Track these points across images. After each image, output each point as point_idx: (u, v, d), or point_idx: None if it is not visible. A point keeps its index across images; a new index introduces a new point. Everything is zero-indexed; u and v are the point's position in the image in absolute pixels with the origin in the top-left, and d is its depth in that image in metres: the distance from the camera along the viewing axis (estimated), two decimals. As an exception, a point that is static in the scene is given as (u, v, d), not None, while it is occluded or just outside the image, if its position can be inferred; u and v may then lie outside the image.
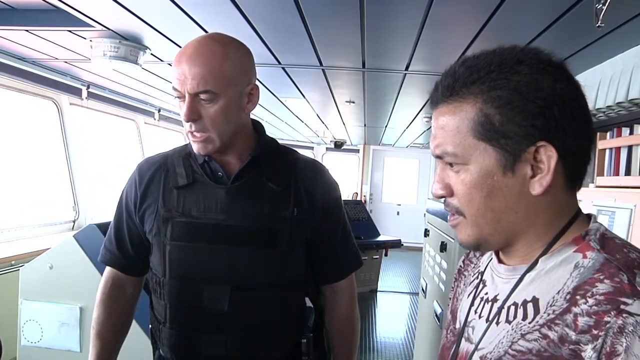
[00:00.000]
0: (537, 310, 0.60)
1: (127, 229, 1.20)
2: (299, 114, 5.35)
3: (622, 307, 0.52)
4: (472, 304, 0.74)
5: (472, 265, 0.84)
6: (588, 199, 2.09)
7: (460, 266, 0.89)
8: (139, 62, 2.77)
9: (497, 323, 0.65)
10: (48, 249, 2.14)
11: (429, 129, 5.90)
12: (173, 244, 1.11)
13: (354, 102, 4.36)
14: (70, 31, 2.52)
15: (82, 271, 1.98)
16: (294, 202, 1.14)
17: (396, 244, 5.43)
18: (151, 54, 2.86)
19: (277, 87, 3.86)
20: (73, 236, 2.04)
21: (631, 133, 2.14)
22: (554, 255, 0.63)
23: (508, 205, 0.63)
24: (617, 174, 2.17)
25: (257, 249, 1.11)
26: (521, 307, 0.63)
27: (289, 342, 1.19)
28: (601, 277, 0.56)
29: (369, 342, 4.13)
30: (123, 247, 1.21)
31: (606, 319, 0.53)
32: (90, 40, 2.64)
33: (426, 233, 2.75)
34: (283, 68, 3.16)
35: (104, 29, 2.45)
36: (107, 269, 1.25)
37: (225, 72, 1.04)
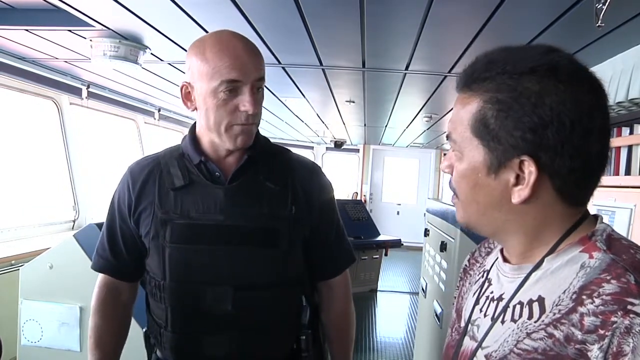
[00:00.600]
0: (542, 310, 0.61)
1: (120, 234, 1.17)
2: (299, 113, 5.35)
3: (629, 307, 0.52)
4: (477, 303, 0.75)
5: (478, 264, 0.84)
6: (588, 198, 2.08)
7: (466, 265, 0.89)
8: (139, 62, 2.77)
9: (502, 322, 0.66)
10: (48, 248, 2.14)
11: (428, 128, 5.90)
12: (173, 246, 1.10)
13: (354, 102, 4.36)
14: (70, 31, 2.52)
15: (82, 271, 1.97)
16: (291, 201, 1.14)
17: (396, 244, 5.43)
18: (151, 53, 2.86)
19: (277, 87, 3.86)
20: (73, 236, 2.04)
21: (631, 133, 2.14)
22: (560, 255, 0.63)
23: (491, 203, 0.65)
24: (617, 173, 2.17)
25: (258, 248, 1.11)
26: (527, 306, 0.63)
27: (289, 341, 1.20)
28: (608, 278, 0.56)
29: (369, 342, 4.12)
30: (117, 253, 1.18)
31: (613, 319, 0.53)
32: (90, 40, 2.64)
33: (426, 233, 2.75)
34: (283, 68, 3.16)
35: (104, 28, 2.45)
36: (101, 276, 1.22)
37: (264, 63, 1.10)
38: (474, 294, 0.77)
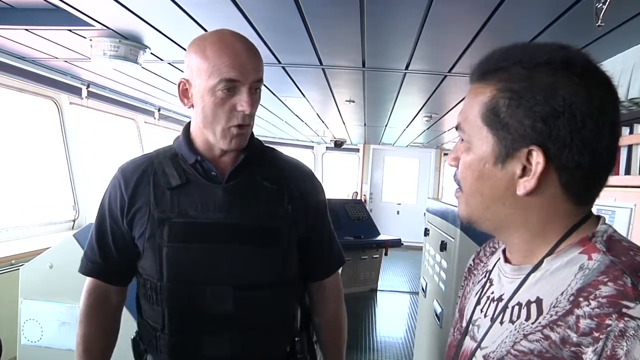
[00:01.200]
0: (540, 311, 0.60)
1: (111, 235, 1.15)
2: (299, 113, 5.35)
3: (624, 310, 0.52)
4: (478, 303, 0.75)
5: (482, 264, 0.84)
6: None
7: (470, 265, 0.89)
8: (138, 62, 2.77)
9: (501, 322, 0.65)
10: (48, 248, 2.14)
11: (428, 128, 5.90)
12: (170, 245, 1.08)
13: (354, 102, 4.36)
14: (70, 30, 2.52)
15: (82, 270, 1.98)
16: (288, 200, 1.14)
17: (396, 243, 5.43)
18: (151, 53, 2.86)
19: (277, 87, 3.86)
20: (73, 235, 2.04)
21: (631, 132, 2.15)
22: (559, 255, 0.62)
23: (496, 196, 0.64)
24: (617, 173, 2.17)
25: (259, 247, 1.11)
26: (525, 307, 0.63)
27: (286, 342, 1.19)
28: (605, 280, 0.56)
29: (369, 342, 4.12)
30: (107, 255, 1.16)
31: (607, 322, 0.52)
32: (90, 40, 2.64)
33: (426, 232, 2.75)
34: (283, 67, 3.16)
35: (104, 28, 2.45)
36: (89, 280, 1.19)
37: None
38: (476, 294, 0.77)
